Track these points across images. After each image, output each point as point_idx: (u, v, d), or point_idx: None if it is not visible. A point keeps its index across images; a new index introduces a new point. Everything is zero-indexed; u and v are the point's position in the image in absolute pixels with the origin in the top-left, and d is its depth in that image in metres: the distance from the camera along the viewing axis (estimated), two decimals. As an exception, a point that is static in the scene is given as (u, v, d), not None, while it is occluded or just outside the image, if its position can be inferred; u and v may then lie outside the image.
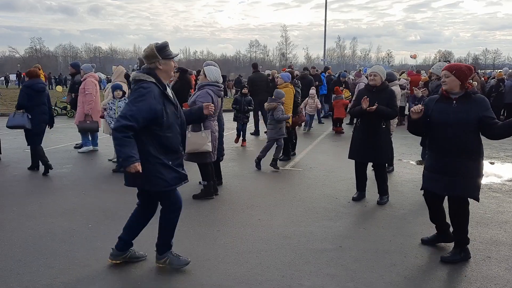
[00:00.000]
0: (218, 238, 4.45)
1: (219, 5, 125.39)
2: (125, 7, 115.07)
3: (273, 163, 7.59)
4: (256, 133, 12.01)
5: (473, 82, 9.71)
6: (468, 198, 3.99)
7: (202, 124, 5.47)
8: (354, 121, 6.55)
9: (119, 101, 7.05)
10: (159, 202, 3.74)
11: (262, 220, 5.00)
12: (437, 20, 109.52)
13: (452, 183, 3.90)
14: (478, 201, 4.07)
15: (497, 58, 79.97)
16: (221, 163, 7.73)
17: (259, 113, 11.90)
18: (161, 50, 3.45)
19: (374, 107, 5.30)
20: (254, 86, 11.65)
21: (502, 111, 14.74)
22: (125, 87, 7.44)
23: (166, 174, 3.47)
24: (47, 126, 7.21)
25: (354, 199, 5.79)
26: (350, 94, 13.00)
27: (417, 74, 15.33)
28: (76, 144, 9.42)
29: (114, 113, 7.03)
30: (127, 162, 3.23)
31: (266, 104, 7.68)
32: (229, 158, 8.55)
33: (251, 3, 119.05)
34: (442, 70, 3.94)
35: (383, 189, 5.70)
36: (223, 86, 5.80)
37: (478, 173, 3.93)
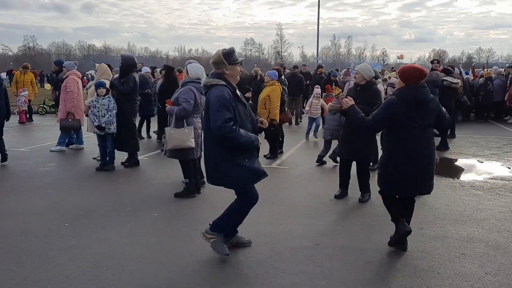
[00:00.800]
0: (195, 236, 4.42)
1: (214, 3, 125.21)
2: (119, 5, 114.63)
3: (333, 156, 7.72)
4: None
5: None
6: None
7: (185, 120, 5.46)
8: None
9: (103, 99, 7.00)
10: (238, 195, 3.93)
11: (241, 218, 4.98)
12: (431, 19, 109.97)
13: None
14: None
15: (491, 57, 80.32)
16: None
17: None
18: (228, 56, 3.68)
19: (349, 105, 5.34)
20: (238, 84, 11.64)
21: (490, 110, 14.82)
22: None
23: (242, 174, 3.71)
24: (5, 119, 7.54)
25: (336, 196, 5.80)
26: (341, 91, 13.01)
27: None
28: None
29: (98, 111, 6.99)
30: (256, 142, 3.69)
31: (330, 105, 7.44)
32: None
33: (246, 1, 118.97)
34: (397, 72, 4.27)
35: (364, 187, 5.71)
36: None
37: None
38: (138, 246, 4.15)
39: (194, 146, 5.53)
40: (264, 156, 8.48)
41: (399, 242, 4.12)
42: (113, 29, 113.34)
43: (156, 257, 3.92)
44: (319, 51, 37.36)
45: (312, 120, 10.62)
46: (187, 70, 5.63)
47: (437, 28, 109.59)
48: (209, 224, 3.94)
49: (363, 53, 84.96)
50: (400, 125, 3.95)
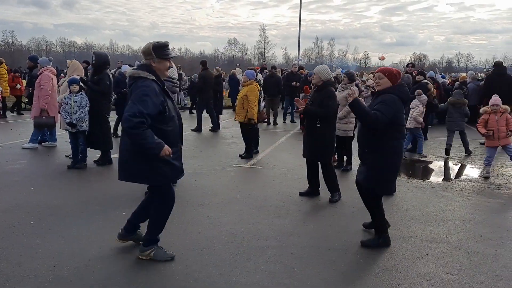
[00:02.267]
0: (162, 236, 4.33)
1: (197, 2, 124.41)
2: (101, 2, 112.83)
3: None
4: (198, 129, 12.04)
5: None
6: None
7: None
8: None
9: (75, 96, 6.90)
10: (153, 196, 3.85)
11: (210, 217, 4.98)
12: (412, 23, 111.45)
13: (361, 171, 4.37)
14: (383, 194, 4.36)
15: (470, 62, 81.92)
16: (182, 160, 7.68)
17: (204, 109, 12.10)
18: (157, 49, 3.56)
19: (300, 108, 5.57)
20: (205, 83, 11.75)
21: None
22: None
23: (165, 169, 3.58)
24: None
25: (300, 193, 5.88)
26: None
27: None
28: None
29: (70, 108, 6.89)
30: (159, 148, 3.38)
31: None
32: (190, 156, 8.49)
33: (229, 1, 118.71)
34: (375, 73, 4.29)
35: (331, 187, 5.79)
36: (178, 82, 5.75)
37: (382, 166, 4.14)
38: (103, 245, 4.10)
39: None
40: (240, 155, 8.49)
41: (371, 247, 4.21)
42: (95, 26, 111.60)
43: (121, 256, 3.88)
44: (302, 53, 37.59)
45: None
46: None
47: (417, 32, 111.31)
48: (141, 243, 3.88)
49: (345, 55, 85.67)
50: (401, 122, 4.13)
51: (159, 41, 3.63)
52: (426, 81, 10.14)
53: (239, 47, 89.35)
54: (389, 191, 4.33)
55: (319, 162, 5.86)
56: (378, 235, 4.30)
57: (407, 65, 11.72)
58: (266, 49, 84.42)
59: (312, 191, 5.94)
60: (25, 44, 79.55)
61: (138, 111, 3.31)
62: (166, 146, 3.42)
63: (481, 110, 7.49)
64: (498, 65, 12.53)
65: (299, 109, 5.55)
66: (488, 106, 7.31)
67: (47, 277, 3.46)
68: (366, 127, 4.16)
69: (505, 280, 3.61)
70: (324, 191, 6.11)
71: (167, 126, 3.56)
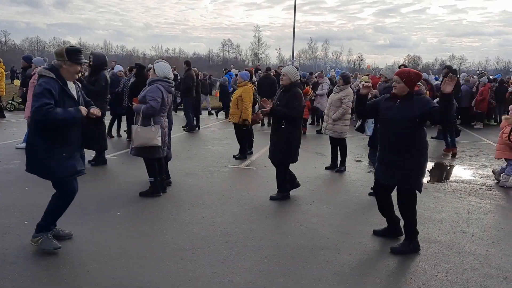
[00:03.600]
0: (157, 235, 4.43)
1: (191, 3, 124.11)
2: (95, 2, 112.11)
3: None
4: (191, 128, 12.11)
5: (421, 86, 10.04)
6: (416, 191, 4.20)
7: (152, 119, 5.44)
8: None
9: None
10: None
11: (205, 218, 5.00)
12: (405, 25, 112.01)
13: (393, 174, 4.16)
14: (419, 192, 4.20)
15: (463, 64, 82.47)
16: (176, 160, 7.71)
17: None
18: (70, 53, 3.78)
19: (267, 109, 5.62)
20: (191, 83, 11.82)
21: (457, 115, 15.24)
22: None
23: (56, 166, 3.78)
24: None
25: (271, 198, 5.86)
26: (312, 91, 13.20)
27: (379, 78, 15.64)
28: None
29: (64, 108, 6.87)
30: (77, 113, 3.74)
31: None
32: (184, 156, 8.51)
33: (223, 2, 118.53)
34: (394, 75, 4.18)
35: (280, 185, 5.88)
36: (173, 83, 5.77)
37: (416, 166, 4.08)
38: (97, 245, 4.11)
39: (160, 145, 5.51)
40: (234, 156, 8.52)
41: (402, 254, 4.13)
42: (88, 26, 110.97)
43: (115, 255, 3.89)
44: (296, 54, 37.67)
45: None
46: (153, 69, 5.62)
47: (411, 34, 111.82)
48: (34, 229, 4.00)
49: (339, 57, 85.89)
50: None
51: (73, 46, 3.89)
52: (419, 83, 10.29)
53: (233, 48, 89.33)
54: (421, 186, 4.22)
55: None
56: (408, 241, 4.18)
57: (399, 67, 11.81)
58: (260, 50, 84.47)
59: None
60: (18, 43, 79.05)
61: (43, 102, 3.58)
62: (82, 108, 3.78)
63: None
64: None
65: (266, 109, 5.54)
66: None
67: (41, 276, 3.47)
68: (444, 118, 3.94)
69: (495, 280, 3.67)
70: (318, 192, 6.17)
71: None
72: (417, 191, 4.19)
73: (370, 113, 4.57)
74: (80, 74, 7.26)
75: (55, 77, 3.72)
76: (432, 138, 11.09)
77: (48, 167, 3.79)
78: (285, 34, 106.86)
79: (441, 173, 7.86)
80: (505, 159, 7.00)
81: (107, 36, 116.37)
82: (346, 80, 7.61)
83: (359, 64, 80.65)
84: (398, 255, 4.10)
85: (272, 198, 5.78)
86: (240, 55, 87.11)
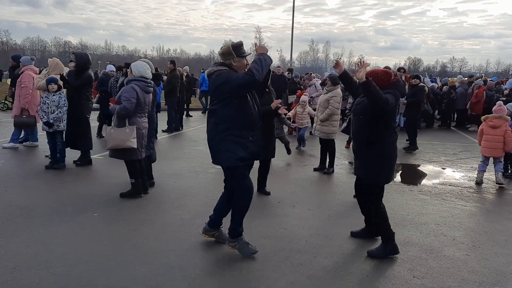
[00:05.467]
0: (131, 237, 4.35)
1: (192, 4, 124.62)
2: (95, 2, 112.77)
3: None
4: (171, 130, 11.99)
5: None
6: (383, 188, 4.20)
7: (127, 120, 5.35)
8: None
9: (53, 95, 6.83)
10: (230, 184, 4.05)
11: (184, 219, 4.93)
12: (406, 27, 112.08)
13: (359, 166, 4.22)
14: (379, 186, 4.15)
15: (464, 67, 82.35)
16: (163, 161, 7.65)
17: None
18: (236, 48, 3.78)
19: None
20: (177, 85, 11.78)
21: (452, 117, 15.20)
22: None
23: (235, 150, 3.75)
24: None
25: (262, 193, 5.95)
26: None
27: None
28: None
29: (48, 107, 6.82)
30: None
31: None
32: (172, 157, 8.44)
33: (224, 3, 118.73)
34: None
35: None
36: (152, 82, 5.66)
37: (376, 160, 4.04)
38: (69, 247, 4.03)
39: (135, 147, 5.37)
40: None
41: (379, 257, 4.05)
42: (89, 26, 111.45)
43: (84, 258, 3.82)
44: (297, 55, 37.52)
45: (299, 129, 9.90)
46: (131, 69, 5.53)
47: (411, 36, 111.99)
48: (227, 234, 4.10)
49: (340, 58, 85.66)
50: (394, 115, 4.17)
51: (233, 41, 3.88)
52: (422, 84, 10.37)
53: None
54: (390, 179, 4.16)
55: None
56: (385, 244, 4.10)
57: (398, 70, 11.75)
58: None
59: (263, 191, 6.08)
60: (19, 43, 79.25)
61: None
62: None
63: None
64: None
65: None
66: None
67: (5, 279, 3.39)
68: (373, 109, 3.94)
69: (471, 284, 3.58)
70: (302, 193, 6.08)
71: (244, 107, 3.74)
72: (382, 188, 4.17)
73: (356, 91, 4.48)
74: (64, 73, 7.26)
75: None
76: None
77: (224, 153, 3.82)
78: (286, 36, 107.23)
79: (429, 175, 7.77)
80: (494, 158, 7.02)
81: (108, 36, 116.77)
82: (334, 81, 7.53)
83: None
84: (375, 259, 4.02)
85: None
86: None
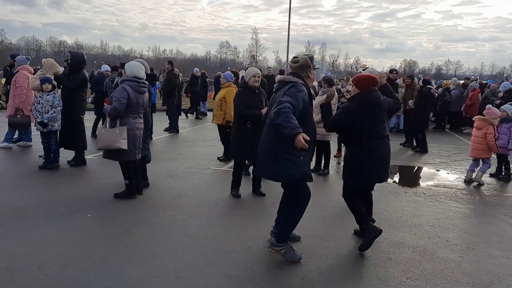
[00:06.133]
0: (125, 238, 4.33)
1: (188, 4, 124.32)
2: (91, 2, 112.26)
3: None
4: (175, 130, 11.97)
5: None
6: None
7: (118, 120, 5.32)
8: None
9: (47, 95, 6.79)
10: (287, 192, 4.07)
11: (178, 220, 4.91)
12: (401, 30, 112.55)
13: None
14: (352, 186, 4.45)
15: (459, 69, 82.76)
16: (158, 161, 7.63)
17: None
18: (312, 61, 3.93)
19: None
20: (176, 83, 11.76)
21: (447, 119, 15.25)
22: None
23: (293, 168, 3.74)
24: None
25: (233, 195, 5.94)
26: None
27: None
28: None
29: (42, 107, 6.78)
30: (296, 130, 3.41)
31: None
32: (167, 157, 8.42)
33: (220, 4, 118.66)
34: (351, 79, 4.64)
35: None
36: (145, 83, 5.63)
37: (352, 161, 4.37)
38: (62, 248, 4.01)
39: (125, 148, 5.31)
40: (218, 158, 8.43)
41: (368, 245, 4.15)
42: (84, 26, 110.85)
43: (78, 258, 3.80)
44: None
45: None
46: (125, 69, 5.51)
47: (407, 38, 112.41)
48: (272, 236, 4.13)
49: (336, 60, 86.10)
50: (356, 128, 4.25)
51: (307, 54, 4.00)
52: (429, 87, 10.53)
53: (231, 50, 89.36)
54: (371, 181, 4.45)
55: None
56: (365, 231, 4.31)
57: (391, 71, 11.77)
58: (258, 52, 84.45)
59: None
60: (14, 42, 78.75)
61: (293, 104, 3.57)
62: (302, 135, 3.43)
63: None
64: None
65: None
66: None
67: (-3, 280, 3.37)
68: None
69: (465, 286, 3.60)
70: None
71: (305, 129, 3.60)
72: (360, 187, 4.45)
73: None
74: (58, 73, 7.22)
75: (304, 84, 3.82)
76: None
77: (283, 170, 3.79)
78: (282, 37, 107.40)
79: (423, 177, 7.80)
80: (482, 159, 7.26)
81: (104, 36, 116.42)
82: (329, 83, 7.55)
83: (356, 68, 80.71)
84: (365, 251, 4.17)
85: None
86: (238, 57, 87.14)
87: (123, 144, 5.25)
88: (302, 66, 3.88)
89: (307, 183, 3.95)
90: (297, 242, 4.37)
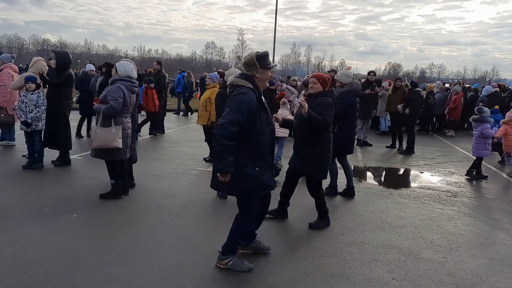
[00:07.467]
0: (111, 239, 4.29)
1: (174, 4, 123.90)
2: (74, 0, 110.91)
3: None
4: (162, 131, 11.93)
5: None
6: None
7: (113, 120, 5.28)
8: None
9: (32, 94, 6.69)
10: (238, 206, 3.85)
11: (164, 221, 4.89)
12: (385, 33, 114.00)
13: (299, 162, 4.87)
14: (322, 179, 4.91)
15: (442, 73, 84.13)
16: (144, 162, 7.57)
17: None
18: (260, 59, 3.56)
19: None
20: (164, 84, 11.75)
21: (432, 122, 15.48)
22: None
23: (247, 182, 3.54)
24: None
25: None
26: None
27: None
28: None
29: (26, 107, 6.67)
30: (227, 170, 3.39)
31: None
32: (153, 158, 8.37)
33: (206, 4, 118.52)
34: (311, 78, 4.90)
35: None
36: (137, 82, 5.62)
37: (317, 156, 4.74)
38: (47, 248, 3.96)
39: (121, 147, 5.34)
40: (204, 159, 8.41)
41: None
42: (67, 25, 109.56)
43: (62, 259, 3.75)
44: (279, 58, 37.65)
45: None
46: (116, 69, 5.47)
47: (391, 41, 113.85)
48: (218, 251, 3.83)
49: (322, 62, 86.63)
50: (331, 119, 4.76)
51: (259, 51, 3.66)
52: (419, 89, 10.73)
53: (216, 51, 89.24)
54: (326, 176, 4.90)
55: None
56: (321, 217, 4.95)
57: (369, 73, 11.92)
58: (243, 53, 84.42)
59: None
60: (-5, 40, 77.24)
61: (234, 119, 3.35)
62: (229, 175, 3.41)
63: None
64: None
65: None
66: None
67: (-21, 281, 3.31)
68: (314, 128, 4.65)
69: (449, 286, 3.66)
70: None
71: (256, 138, 3.54)
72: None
73: None
74: (44, 72, 7.13)
75: (252, 87, 3.51)
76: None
77: (236, 185, 3.56)
78: (267, 38, 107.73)
79: (408, 179, 7.91)
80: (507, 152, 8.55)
81: (88, 35, 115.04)
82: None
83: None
84: (315, 230, 4.77)
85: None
86: (224, 57, 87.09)
87: (119, 143, 5.26)
88: (246, 64, 3.59)
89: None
90: (267, 252, 4.19)
